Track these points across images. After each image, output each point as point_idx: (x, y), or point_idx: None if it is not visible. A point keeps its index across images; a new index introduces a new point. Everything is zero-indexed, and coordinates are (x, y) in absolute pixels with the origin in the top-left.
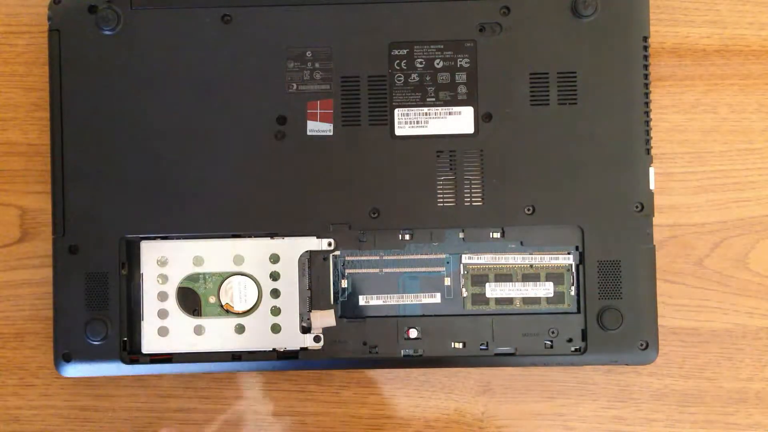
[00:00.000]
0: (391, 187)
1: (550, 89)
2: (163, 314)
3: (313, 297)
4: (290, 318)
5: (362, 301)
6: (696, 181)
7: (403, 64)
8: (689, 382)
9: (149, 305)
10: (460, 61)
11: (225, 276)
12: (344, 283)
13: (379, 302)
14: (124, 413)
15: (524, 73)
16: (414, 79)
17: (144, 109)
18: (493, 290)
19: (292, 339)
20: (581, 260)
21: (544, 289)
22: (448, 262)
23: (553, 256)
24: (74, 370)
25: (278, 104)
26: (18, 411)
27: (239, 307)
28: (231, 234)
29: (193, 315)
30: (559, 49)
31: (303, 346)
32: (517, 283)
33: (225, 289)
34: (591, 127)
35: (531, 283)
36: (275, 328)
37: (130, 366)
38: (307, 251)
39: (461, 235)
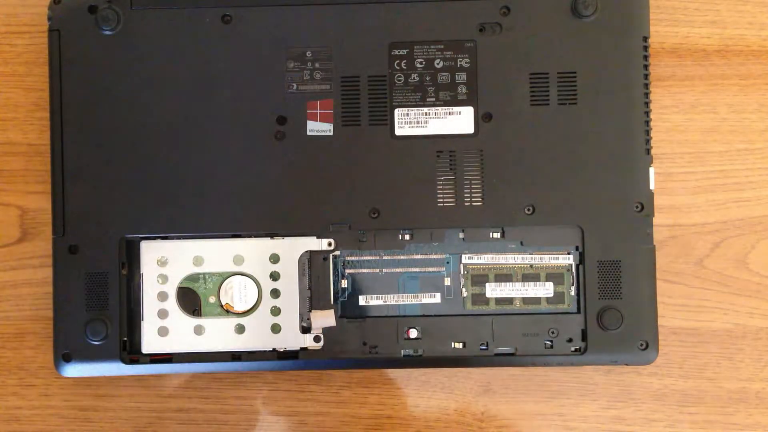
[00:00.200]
0: (391, 187)
1: (550, 89)
2: (163, 314)
3: (313, 297)
4: (290, 318)
5: (362, 301)
6: (696, 181)
7: (403, 64)
8: (689, 382)
9: (149, 305)
10: (460, 61)
11: (225, 276)
12: (344, 283)
13: (379, 302)
14: (124, 413)
15: (524, 73)
16: (414, 79)
17: (144, 109)
18: (493, 290)
19: (292, 339)
20: (581, 260)
21: (544, 289)
22: (448, 262)
23: (553, 256)
24: (74, 370)
25: (278, 104)
26: (18, 411)
27: (239, 307)
28: (231, 234)
29: (193, 315)
30: (559, 49)
31: (303, 346)
32: (517, 283)
33: (225, 289)
34: (591, 127)
35: (531, 283)
36: (275, 328)
37: (130, 366)
38: (307, 251)
39: (461, 235)
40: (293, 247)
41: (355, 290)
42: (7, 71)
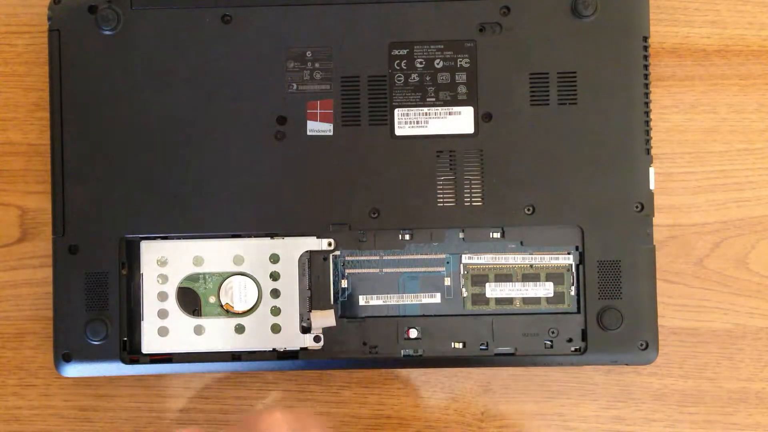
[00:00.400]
0: (391, 187)
1: (550, 89)
2: (163, 314)
3: (313, 297)
4: (290, 318)
5: (362, 301)
6: (696, 181)
7: (403, 64)
8: (689, 382)
9: (149, 305)
10: (460, 61)
11: (225, 276)
12: (344, 283)
13: (379, 302)
14: (124, 413)
15: (524, 73)
16: (414, 79)
17: (144, 109)
18: (493, 290)
19: (292, 339)
20: (581, 260)
21: (544, 289)
22: (448, 262)
23: (553, 256)
24: (74, 370)
25: (278, 104)
26: (18, 411)
27: (239, 307)
28: (231, 234)
29: (193, 315)
30: (559, 49)
31: (303, 346)
32: (517, 283)
33: (225, 289)
34: (591, 127)
35: (531, 283)
36: (275, 328)
37: (130, 366)
38: (307, 251)
39: (461, 235)
40: (293, 247)
41: (355, 290)
42: (7, 71)
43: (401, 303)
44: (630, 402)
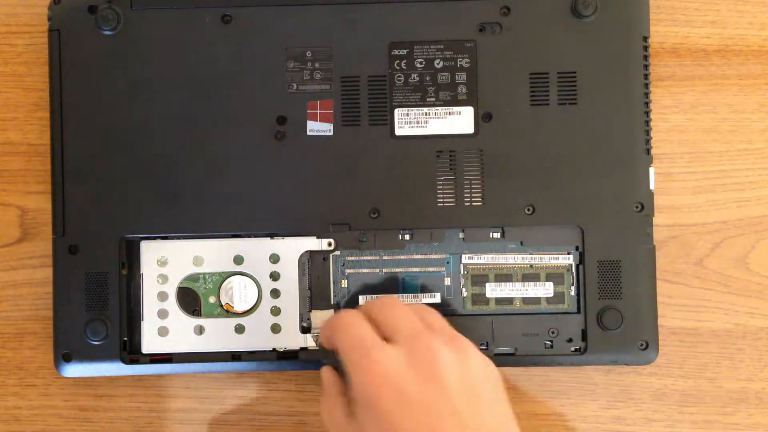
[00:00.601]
0: (391, 187)
1: (550, 89)
2: (163, 314)
3: (313, 297)
4: (290, 318)
5: (362, 301)
6: (696, 181)
7: (403, 64)
8: (689, 382)
9: (149, 305)
10: (460, 61)
11: (225, 276)
12: (344, 283)
13: None
14: (124, 413)
15: (524, 73)
16: (414, 79)
17: (144, 109)
18: (493, 290)
19: (292, 339)
20: (581, 260)
21: (544, 289)
22: (448, 262)
23: (553, 256)
24: (74, 370)
25: (278, 104)
26: (18, 411)
27: (239, 307)
28: (231, 234)
29: (193, 315)
30: (559, 49)
31: (303, 346)
32: (517, 283)
33: (225, 289)
34: (591, 127)
35: (531, 283)
36: (275, 328)
37: (130, 366)
38: (307, 251)
39: (461, 235)
40: (293, 247)
41: (355, 290)
42: (7, 71)
43: None
44: (630, 402)
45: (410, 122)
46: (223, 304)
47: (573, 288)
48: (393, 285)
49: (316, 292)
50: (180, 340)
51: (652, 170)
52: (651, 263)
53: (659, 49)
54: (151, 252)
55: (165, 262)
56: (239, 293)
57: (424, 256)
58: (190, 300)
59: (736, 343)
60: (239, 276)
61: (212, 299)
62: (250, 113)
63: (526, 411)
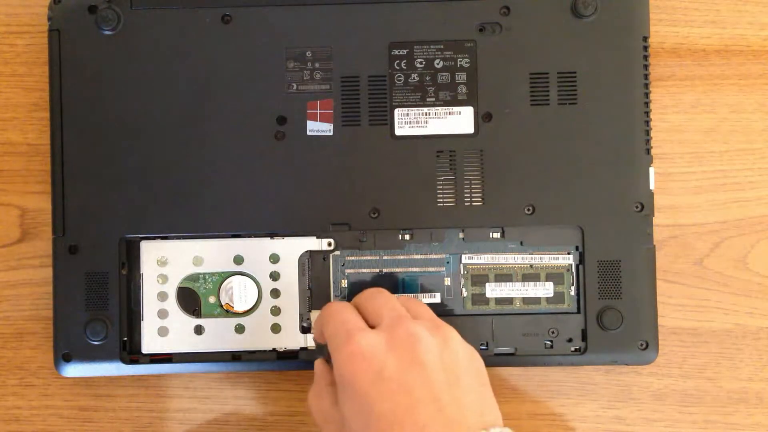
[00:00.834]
0: (391, 187)
1: (550, 89)
2: (163, 314)
3: (313, 297)
4: (290, 318)
5: None
6: (696, 181)
7: (403, 64)
8: (689, 382)
9: (149, 305)
10: (460, 61)
11: (225, 276)
12: (344, 283)
13: None
14: (124, 413)
15: (524, 73)
16: (414, 79)
17: (144, 109)
18: (493, 290)
19: (292, 339)
20: (581, 260)
21: (544, 289)
22: (448, 262)
23: (553, 256)
24: (74, 370)
25: (278, 104)
26: (18, 411)
27: (239, 307)
28: (231, 234)
29: (193, 315)
30: (559, 49)
31: (303, 346)
32: (517, 283)
33: (225, 289)
34: (591, 127)
35: (531, 283)
36: (275, 328)
37: (130, 366)
38: (307, 251)
39: (461, 235)
40: (293, 247)
41: (355, 290)
42: (7, 71)
43: None
44: (630, 402)
45: (410, 122)
46: (223, 304)
47: (573, 288)
48: (393, 285)
49: (316, 292)
50: (180, 340)
51: (652, 170)
52: (651, 263)
53: (659, 49)
54: (151, 252)
55: (165, 262)
56: (239, 293)
57: (424, 256)
58: (190, 300)
59: (736, 343)
60: (239, 276)
61: (212, 299)
62: (250, 113)
63: (526, 411)
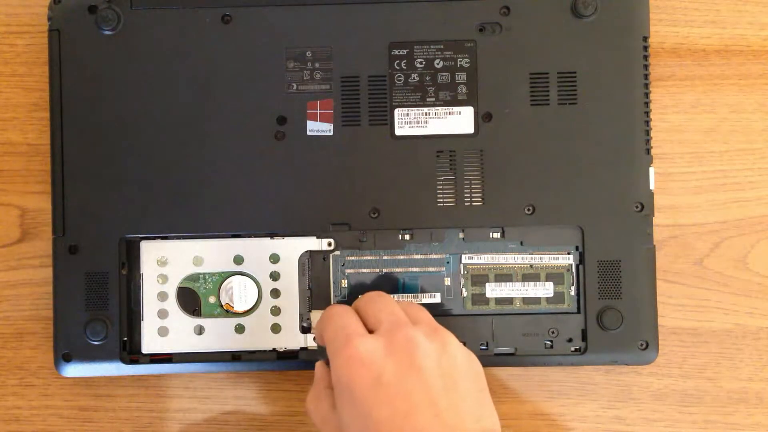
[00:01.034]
0: (391, 187)
1: (550, 89)
2: (163, 314)
3: (313, 297)
4: (290, 318)
5: None
6: (696, 181)
7: (403, 64)
8: (689, 382)
9: (149, 305)
10: (460, 61)
11: (225, 276)
12: (344, 283)
13: None
14: (124, 413)
15: (524, 73)
16: (414, 79)
17: (144, 109)
18: (493, 290)
19: (292, 339)
20: (581, 260)
21: (544, 289)
22: (448, 262)
23: (553, 256)
24: (74, 370)
25: (278, 104)
26: (18, 411)
27: (239, 307)
28: (231, 234)
29: (193, 315)
30: (559, 49)
31: (303, 346)
32: (517, 283)
33: (225, 289)
34: (591, 127)
35: (531, 283)
36: (275, 328)
37: (130, 366)
38: (307, 251)
39: (461, 235)
40: (293, 247)
41: (355, 290)
42: (7, 71)
43: None
44: (630, 402)
45: (410, 122)
46: (223, 304)
47: (573, 288)
48: (393, 285)
49: (316, 292)
50: (180, 340)
51: (652, 170)
52: (651, 263)
53: (659, 49)
54: (151, 252)
55: (165, 262)
56: (239, 293)
57: (424, 256)
58: (190, 300)
59: (736, 343)
60: (239, 276)
61: (212, 299)
62: (250, 113)
63: (526, 411)
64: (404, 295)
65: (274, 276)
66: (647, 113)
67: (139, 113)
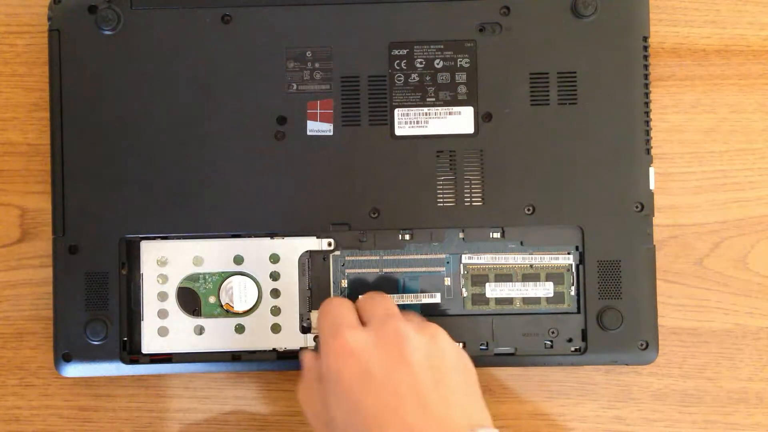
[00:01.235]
0: (391, 187)
1: (550, 89)
2: (163, 314)
3: (313, 297)
4: (290, 318)
5: None
6: (696, 181)
7: (403, 64)
8: (689, 382)
9: (149, 305)
10: (460, 61)
11: (225, 276)
12: (344, 283)
13: None
14: (124, 413)
15: (524, 73)
16: (414, 79)
17: (144, 109)
18: (493, 290)
19: (292, 339)
20: (581, 260)
21: (544, 289)
22: (448, 262)
23: (553, 256)
24: (74, 370)
25: (278, 104)
26: (18, 411)
27: (239, 307)
28: (231, 234)
29: (193, 315)
30: (559, 49)
31: (303, 346)
32: (517, 283)
33: (225, 289)
34: (591, 127)
35: (531, 283)
36: (275, 328)
37: (130, 366)
38: (307, 251)
39: (461, 235)
40: (293, 247)
41: (355, 290)
42: (7, 71)
43: (401, 303)
44: (630, 402)
45: (410, 122)
46: (223, 304)
47: (573, 288)
48: (393, 285)
49: (316, 292)
50: (180, 340)
51: (652, 170)
52: (651, 263)
53: (659, 49)
54: (151, 252)
55: (165, 262)
56: (239, 293)
57: (424, 256)
58: (190, 300)
59: (736, 343)
60: (239, 276)
61: (212, 299)
62: (250, 113)
63: (526, 411)
64: (404, 295)
65: (274, 276)
66: (647, 113)
67: (139, 113)
